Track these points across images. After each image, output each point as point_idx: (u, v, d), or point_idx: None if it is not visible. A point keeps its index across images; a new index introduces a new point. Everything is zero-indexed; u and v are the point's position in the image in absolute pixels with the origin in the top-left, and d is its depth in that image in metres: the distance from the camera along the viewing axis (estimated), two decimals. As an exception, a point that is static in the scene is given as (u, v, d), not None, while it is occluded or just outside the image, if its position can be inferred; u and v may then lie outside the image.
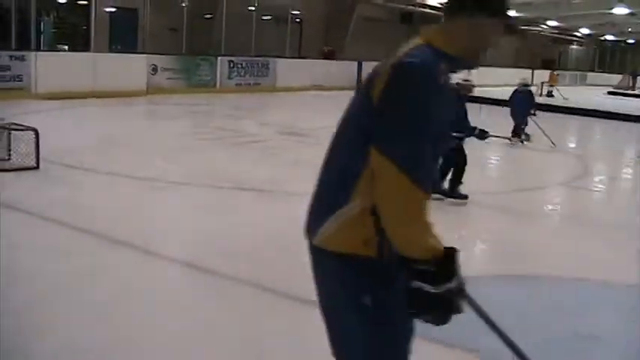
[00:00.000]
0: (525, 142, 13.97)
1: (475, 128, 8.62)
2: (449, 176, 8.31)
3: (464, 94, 8.33)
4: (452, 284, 2.29)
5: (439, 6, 31.78)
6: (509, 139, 10.51)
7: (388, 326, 2.45)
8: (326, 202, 2.61)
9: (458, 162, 8.33)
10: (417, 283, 2.26)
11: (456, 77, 8.57)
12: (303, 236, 2.61)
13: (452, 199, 8.23)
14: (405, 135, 2.27)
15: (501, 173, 11.78)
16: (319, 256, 2.60)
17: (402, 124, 2.28)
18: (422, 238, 2.30)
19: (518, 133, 14.00)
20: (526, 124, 14.15)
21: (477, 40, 2.57)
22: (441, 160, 7.91)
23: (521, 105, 14.28)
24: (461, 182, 8.33)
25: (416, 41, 2.57)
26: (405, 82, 2.31)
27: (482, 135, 8.75)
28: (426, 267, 2.25)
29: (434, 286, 2.25)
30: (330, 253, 2.50)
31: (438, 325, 2.31)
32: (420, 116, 2.28)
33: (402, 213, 2.29)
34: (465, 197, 8.30)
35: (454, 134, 8.15)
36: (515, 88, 14.79)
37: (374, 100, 2.33)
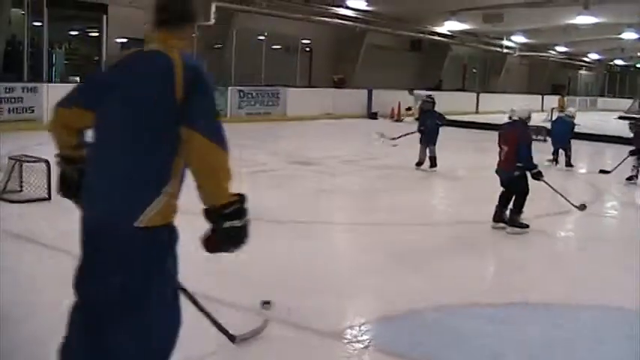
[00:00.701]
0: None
1: (536, 166, 8.53)
2: (510, 205, 8.31)
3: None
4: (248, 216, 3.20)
5: (448, 33, 31.95)
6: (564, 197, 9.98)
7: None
8: (141, 191, 3.01)
9: (521, 191, 8.32)
10: (227, 223, 3.13)
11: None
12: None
13: (513, 228, 8.24)
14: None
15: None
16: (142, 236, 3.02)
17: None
18: (231, 186, 3.09)
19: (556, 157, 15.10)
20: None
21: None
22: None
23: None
24: (522, 211, 8.31)
25: (157, 47, 3.13)
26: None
27: (537, 176, 8.61)
28: (235, 207, 3.12)
29: (241, 219, 3.19)
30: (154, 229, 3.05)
31: (236, 249, 3.30)
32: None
33: (226, 172, 3.06)
34: (526, 226, 8.28)
35: (520, 165, 8.21)
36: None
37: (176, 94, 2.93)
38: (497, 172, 8.49)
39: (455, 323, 5.20)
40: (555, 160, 15.05)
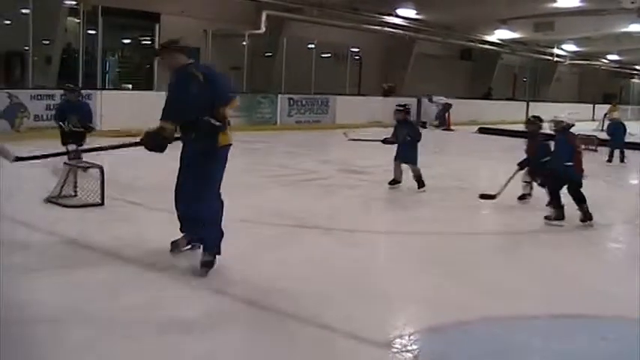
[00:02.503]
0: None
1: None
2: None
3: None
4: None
5: (498, 42, 31.73)
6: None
7: None
8: None
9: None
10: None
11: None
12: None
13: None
14: None
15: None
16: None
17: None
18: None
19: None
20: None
21: None
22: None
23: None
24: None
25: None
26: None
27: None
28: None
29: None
30: None
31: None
32: None
33: None
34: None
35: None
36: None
37: None
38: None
39: (503, 335, 5.17)
40: (610, 160, 17.75)
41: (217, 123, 6.05)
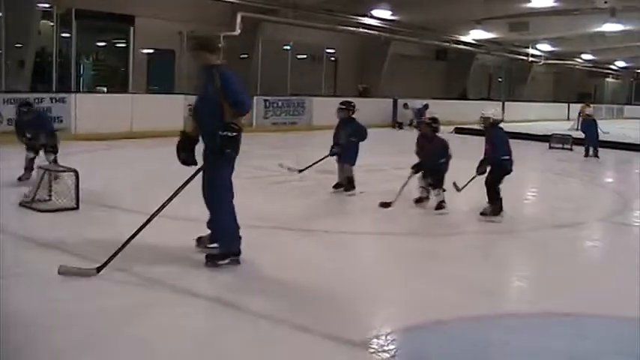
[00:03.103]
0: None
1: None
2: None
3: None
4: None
5: (473, 42, 31.87)
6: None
7: None
8: None
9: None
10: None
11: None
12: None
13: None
14: None
15: (539, 208, 11.62)
16: None
17: None
18: None
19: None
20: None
21: None
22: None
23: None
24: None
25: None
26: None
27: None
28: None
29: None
30: None
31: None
32: None
33: None
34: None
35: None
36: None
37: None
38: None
39: (482, 334, 5.19)
40: (587, 155, 18.82)
41: (233, 134, 6.18)
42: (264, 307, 5.37)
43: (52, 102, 16.49)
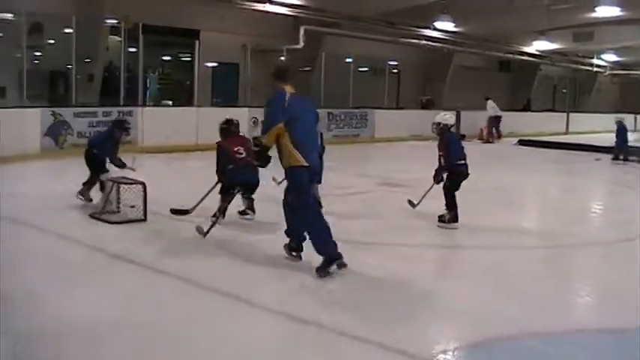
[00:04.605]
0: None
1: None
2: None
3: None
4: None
5: (537, 53, 31.49)
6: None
7: None
8: None
9: None
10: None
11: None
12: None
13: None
14: None
15: (606, 221, 11.41)
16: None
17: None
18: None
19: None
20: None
21: None
22: None
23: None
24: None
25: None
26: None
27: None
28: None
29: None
30: None
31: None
32: None
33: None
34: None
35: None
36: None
37: None
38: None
39: (550, 350, 5.13)
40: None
41: (255, 148, 7.33)
42: (328, 319, 5.41)
43: (119, 115, 16.85)
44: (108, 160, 9.67)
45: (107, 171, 9.52)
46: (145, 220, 8.75)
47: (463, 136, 26.93)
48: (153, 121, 17.41)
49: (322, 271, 6.61)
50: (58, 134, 15.63)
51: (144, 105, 18.82)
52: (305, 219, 6.97)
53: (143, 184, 8.79)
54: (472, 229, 9.32)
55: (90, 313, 5.39)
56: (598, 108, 39.32)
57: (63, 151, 14.95)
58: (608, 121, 38.16)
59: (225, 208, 8.69)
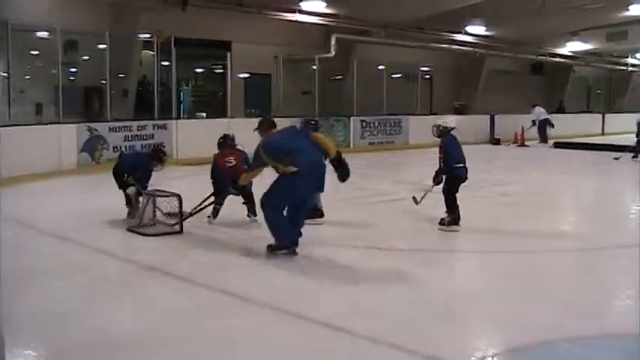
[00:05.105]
0: None
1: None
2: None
3: None
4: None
5: (570, 54, 31.22)
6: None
7: None
8: None
9: None
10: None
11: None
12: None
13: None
14: None
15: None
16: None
17: None
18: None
19: None
20: None
21: None
22: None
23: None
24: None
25: None
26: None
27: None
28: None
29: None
30: None
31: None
32: None
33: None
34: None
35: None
36: None
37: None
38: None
39: (588, 354, 5.08)
40: None
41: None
42: (362, 327, 5.40)
43: (154, 129, 17.05)
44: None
45: (133, 185, 9.57)
46: (181, 232, 8.81)
47: (497, 141, 26.93)
48: (187, 134, 17.59)
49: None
50: (94, 149, 15.83)
51: (178, 118, 18.95)
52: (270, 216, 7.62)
53: (179, 196, 8.86)
54: (504, 233, 9.27)
55: (130, 327, 5.45)
56: (634, 108, 38.84)
57: (99, 166, 15.10)
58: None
59: (217, 210, 9.58)
